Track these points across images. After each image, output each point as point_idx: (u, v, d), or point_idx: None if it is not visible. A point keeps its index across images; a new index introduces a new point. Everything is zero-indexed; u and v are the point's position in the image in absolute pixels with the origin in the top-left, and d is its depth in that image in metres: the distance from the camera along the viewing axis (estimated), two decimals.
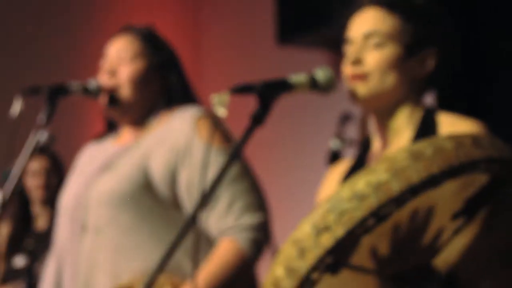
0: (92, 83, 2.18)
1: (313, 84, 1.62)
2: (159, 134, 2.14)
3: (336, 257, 1.14)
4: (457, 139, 1.17)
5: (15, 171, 2.12)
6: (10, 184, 2.09)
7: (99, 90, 2.18)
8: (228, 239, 2.04)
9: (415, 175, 1.12)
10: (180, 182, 2.08)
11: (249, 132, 1.55)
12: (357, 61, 1.66)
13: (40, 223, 3.86)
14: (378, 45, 1.66)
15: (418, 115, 1.69)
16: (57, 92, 2.13)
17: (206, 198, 1.50)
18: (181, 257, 1.99)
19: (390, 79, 1.66)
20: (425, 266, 1.26)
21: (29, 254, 3.76)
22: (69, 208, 2.15)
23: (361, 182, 1.13)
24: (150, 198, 2.07)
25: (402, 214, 1.18)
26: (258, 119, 1.56)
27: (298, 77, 1.62)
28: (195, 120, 2.11)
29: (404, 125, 1.68)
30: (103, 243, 2.06)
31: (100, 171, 2.14)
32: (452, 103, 3.54)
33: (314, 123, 4.35)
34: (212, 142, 2.07)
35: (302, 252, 1.14)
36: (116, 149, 2.21)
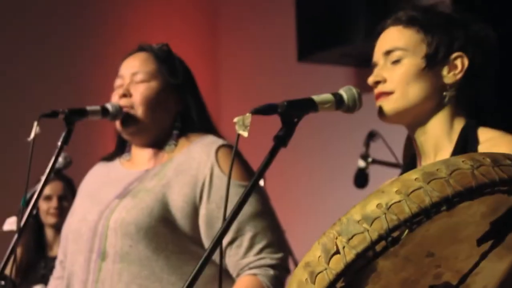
0: (111, 105, 2.16)
1: (339, 104, 1.60)
2: (178, 165, 2.12)
3: (349, 282, 1.12)
4: (475, 159, 1.14)
5: (33, 195, 2.10)
6: (27, 209, 2.06)
7: (118, 112, 2.15)
8: (250, 275, 2.05)
9: (428, 197, 1.09)
10: (201, 216, 2.07)
11: (272, 154, 1.52)
12: (378, 81, 1.67)
13: (55, 248, 3.85)
14: (397, 61, 1.67)
15: (457, 127, 1.67)
16: (76, 115, 2.11)
17: (225, 232, 1.46)
18: None
19: (414, 91, 1.65)
20: None
21: (41, 279, 3.75)
22: (83, 234, 2.12)
23: (372, 204, 1.11)
24: (168, 231, 2.05)
25: (425, 235, 1.15)
26: (281, 140, 1.52)
27: (323, 97, 1.59)
28: (215, 151, 2.09)
29: (443, 138, 1.66)
30: (119, 273, 2.04)
31: (118, 197, 2.10)
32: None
33: (342, 141, 4.33)
34: (233, 174, 2.03)
35: (313, 277, 1.12)
36: (131, 173, 2.19)
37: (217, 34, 5.19)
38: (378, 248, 1.09)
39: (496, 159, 1.14)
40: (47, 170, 2.08)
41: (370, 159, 2.87)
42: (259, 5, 4.98)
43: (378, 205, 1.10)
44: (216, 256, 1.59)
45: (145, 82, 2.17)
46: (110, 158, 2.29)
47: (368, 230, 1.09)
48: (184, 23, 5.08)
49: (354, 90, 1.62)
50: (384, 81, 1.66)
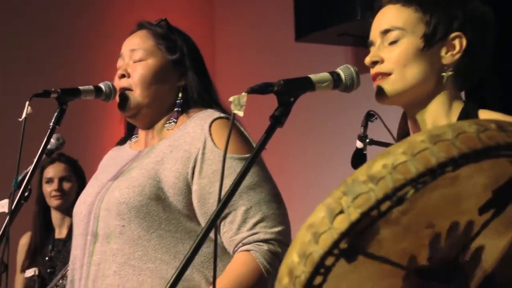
0: (105, 84, 2.13)
1: (336, 83, 1.58)
2: (173, 140, 2.08)
3: (352, 243, 1.12)
4: (480, 123, 1.15)
5: (25, 177, 2.09)
6: (19, 191, 2.05)
7: (112, 91, 2.13)
8: (244, 251, 1.98)
9: (434, 158, 1.10)
10: (193, 192, 2.02)
11: (269, 134, 1.52)
12: (376, 61, 1.65)
13: (62, 230, 3.86)
14: (394, 41, 1.65)
15: (457, 109, 1.66)
16: (68, 95, 2.09)
17: (222, 209, 1.45)
18: (192, 270, 1.94)
19: (412, 73, 1.63)
20: (452, 261, 1.23)
21: (49, 261, 3.77)
22: (82, 217, 2.11)
23: (377, 164, 1.11)
24: (160, 209, 2.01)
25: (427, 204, 1.15)
26: (278, 120, 1.52)
27: (320, 75, 1.58)
28: (209, 124, 2.05)
29: (442, 118, 1.65)
30: (113, 254, 2.02)
31: (114, 177, 2.09)
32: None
33: (339, 121, 4.32)
34: (228, 148, 2.00)
35: (316, 237, 1.12)
36: (131, 154, 2.17)
37: (213, 14, 5.17)
38: (383, 207, 1.09)
39: (501, 125, 1.15)
40: (39, 151, 2.06)
41: (368, 140, 2.86)
42: None
43: (384, 166, 1.10)
44: (213, 234, 1.58)
45: (143, 60, 2.14)
46: (122, 142, 2.27)
47: (373, 190, 1.09)
48: (179, 2, 5.06)
49: (352, 69, 1.62)
50: (382, 61, 1.64)
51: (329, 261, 1.11)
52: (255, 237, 1.98)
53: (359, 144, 2.86)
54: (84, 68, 4.48)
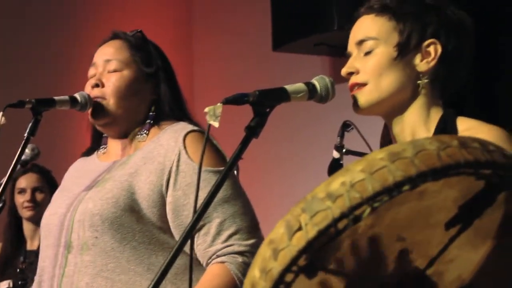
0: (80, 95, 2.13)
1: (311, 93, 1.59)
2: (146, 152, 2.08)
3: (312, 260, 1.13)
4: (442, 140, 1.14)
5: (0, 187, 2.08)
6: None
7: (87, 102, 2.12)
8: (218, 263, 1.99)
9: (391, 176, 1.10)
10: (168, 204, 2.02)
11: (244, 145, 1.52)
12: (352, 72, 1.66)
13: (34, 242, 3.82)
14: (369, 51, 1.65)
15: (435, 117, 1.66)
16: (43, 105, 2.08)
17: (196, 222, 1.45)
18: (165, 283, 1.94)
19: (387, 82, 1.63)
20: (419, 275, 1.23)
21: (20, 273, 3.73)
22: (52, 228, 2.10)
23: (336, 182, 1.12)
24: (134, 220, 2.01)
25: (395, 218, 1.16)
26: (253, 130, 1.52)
27: (295, 86, 1.59)
28: (183, 136, 2.05)
29: (420, 127, 1.65)
30: (85, 265, 2.01)
31: (86, 189, 2.08)
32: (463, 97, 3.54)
33: (315, 131, 4.33)
34: (202, 160, 2.00)
35: (275, 253, 1.12)
36: (102, 165, 2.17)
37: (191, 23, 5.18)
38: (340, 225, 1.09)
39: (464, 141, 1.15)
40: (14, 162, 2.05)
41: (344, 150, 2.88)
42: None
43: (342, 183, 1.11)
44: (186, 247, 1.58)
45: (118, 71, 2.14)
46: (88, 152, 2.27)
47: (331, 208, 1.10)
48: (157, 11, 5.06)
49: (327, 80, 1.62)
50: (357, 72, 1.65)
51: (288, 277, 1.12)
52: (230, 249, 1.99)
53: (336, 154, 2.87)
54: (58, 78, 4.45)
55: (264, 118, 1.53)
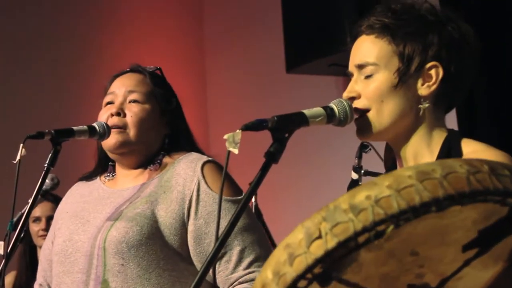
0: (99, 124, 2.16)
1: (330, 117, 1.60)
2: (165, 181, 2.14)
3: (327, 269, 1.12)
4: (473, 164, 1.13)
5: (20, 218, 2.10)
6: (15, 233, 2.06)
7: (106, 132, 2.15)
8: None
9: (418, 196, 1.09)
10: (189, 232, 2.09)
11: (264, 171, 1.53)
12: (353, 96, 1.64)
13: None
14: (369, 76, 1.63)
15: (439, 138, 1.64)
16: (62, 136, 2.11)
17: (218, 250, 1.46)
18: None
19: (389, 109, 1.62)
20: None
21: None
22: (69, 255, 2.13)
23: (361, 194, 1.11)
24: (158, 248, 2.06)
25: (412, 233, 1.15)
26: (273, 156, 1.53)
27: (314, 111, 1.59)
28: (200, 166, 2.12)
29: (424, 150, 1.64)
30: None
31: (110, 218, 2.11)
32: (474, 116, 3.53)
33: (333, 153, 4.33)
34: (222, 188, 2.04)
35: (291, 258, 1.12)
36: (117, 192, 2.20)
37: (204, 48, 5.21)
38: (360, 239, 1.09)
39: (495, 168, 1.14)
40: (34, 192, 2.07)
41: (363, 171, 2.88)
42: (246, 17, 5.00)
43: (367, 197, 1.10)
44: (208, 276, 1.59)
45: (140, 103, 2.20)
46: (89, 177, 2.30)
47: (353, 220, 1.09)
48: (171, 37, 5.09)
49: (345, 103, 1.61)
50: (359, 96, 1.64)
51: (302, 284, 1.12)
52: (252, 275, 2.05)
53: (354, 175, 2.88)
54: (75, 107, 4.49)
55: (283, 143, 1.55)
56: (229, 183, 2.12)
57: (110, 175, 2.26)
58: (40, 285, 2.27)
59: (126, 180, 2.21)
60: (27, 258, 3.84)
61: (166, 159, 2.19)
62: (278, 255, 1.14)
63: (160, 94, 2.22)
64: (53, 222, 2.29)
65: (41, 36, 4.63)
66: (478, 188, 1.11)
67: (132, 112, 2.18)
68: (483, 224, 1.18)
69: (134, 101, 2.20)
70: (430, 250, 1.19)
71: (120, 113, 2.19)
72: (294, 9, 4.18)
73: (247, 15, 5.00)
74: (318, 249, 1.10)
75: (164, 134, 2.22)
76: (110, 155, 2.23)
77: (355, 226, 1.09)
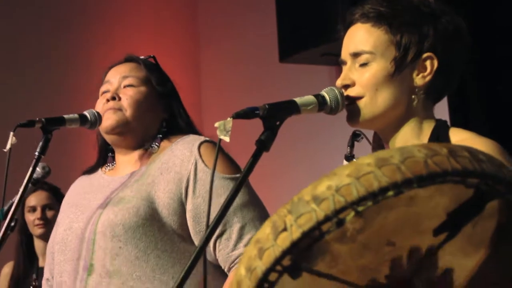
0: (90, 113, 2.16)
1: (321, 105, 1.60)
2: (162, 163, 2.15)
3: (296, 261, 1.15)
4: (431, 148, 1.15)
5: (11, 207, 2.09)
6: (5, 222, 2.06)
7: (97, 120, 2.15)
8: None
9: (376, 181, 1.12)
10: (188, 211, 2.09)
11: (255, 158, 1.53)
12: (347, 84, 1.65)
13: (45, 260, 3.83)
14: (364, 64, 1.64)
15: (427, 129, 1.66)
16: (53, 124, 2.11)
17: (215, 228, 1.47)
18: None
19: (383, 97, 1.63)
20: (406, 282, 1.24)
21: None
22: (69, 243, 2.15)
23: (322, 185, 1.14)
24: (156, 229, 2.07)
25: (384, 223, 1.18)
26: (264, 144, 1.53)
27: (305, 99, 1.59)
28: (197, 146, 2.12)
29: (413, 140, 1.64)
30: (109, 276, 2.05)
31: (105, 202, 2.11)
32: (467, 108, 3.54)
33: (324, 141, 4.33)
34: (219, 168, 2.05)
35: (261, 252, 1.15)
36: (116, 179, 2.22)
37: (197, 33, 5.20)
38: (324, 228, 1.12)
39: (454, 150, 1.16)
40: (25, 181, 2.07)
41: (355, 160, 2.88)
42: (240, 7, 4.99)
43: (328, 187, 1.13)
44: (207, 253, 1.59)
45: (135, 86, 2.21)
46: (91, 170, 2.32)
47: (315, 210, 1.12)
48: (165, 28, 5.09)
49: (337, 91, 1.62)
50: (353, 84, 1.65)
51: (272, 276, 1.15)
52: None
53: (346, 164, 2.88)
54: (67, 96, 4.48)
55: (275, 131, 1.55)
56: (227, 161, 2.12)
57: (110, 165, 2.27)
58: (47, 279, 2.28)
59: (126, 167, 2.22)
60: (24, 247, 3.84)
61: (165, 143, 2.20)
62: (250, 251, 1.17)
63: (155, 78, 2.24)
64: (58, 215, 2.31)
65: (36, 29, 4.62)
66: (435, 170, 1.13)
67: (127, 95, 2.20)
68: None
69: (129, 85, 2.22)
70: (406, 239, 1.21)
71: (115, 97, 2.20)
72: None
73: (241, 4, 4.99)
74: (284, 241, 1.13)
75: (162, 117, 2.23)
76: (108, 138, 2.23)
77: (317, 216, 1.12)
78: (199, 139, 2.15)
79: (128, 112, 2.18)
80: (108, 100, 2.19)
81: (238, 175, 2.08)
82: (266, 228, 1.16)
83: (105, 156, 2.30)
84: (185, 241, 2.08)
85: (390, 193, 1.11)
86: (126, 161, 2.22)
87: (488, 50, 3.50)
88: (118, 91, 2.21)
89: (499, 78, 3.60)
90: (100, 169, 2.29)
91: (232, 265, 2.06)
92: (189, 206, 2.07)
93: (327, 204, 1.12)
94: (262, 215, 2.09)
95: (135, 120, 2.18)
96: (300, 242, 1.12)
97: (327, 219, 1.11)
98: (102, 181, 2.23)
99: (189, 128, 2.24)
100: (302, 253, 1.14)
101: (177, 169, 2.10)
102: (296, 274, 1.16)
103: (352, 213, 1.11)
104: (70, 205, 2.24)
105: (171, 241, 2.07)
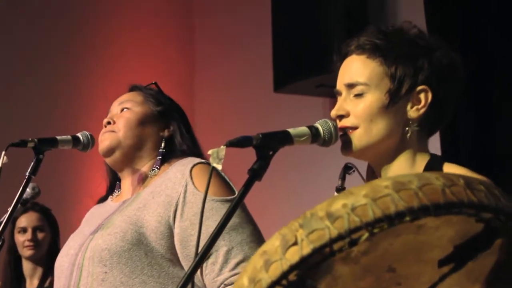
0: (83, 135, 2.16)
1: (315, 137, 1.60)
2: (154, 187, 2.13)
3: (302, 277, 1.13)
4: (449, 178, 1.16)
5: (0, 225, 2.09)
6: None
7: (90, 142, 2.15)
8: None
9: (393, 205, 1.11)
10: (175, 235, 2.05)
11: (247, 187, 1.53)
12: (342, 115, 1.65)
13: (33, 281, 3.80)
14: (359, 95, 1.65)
15: (421, 162, 1.66)
16: (45, 145, 2.10)
17: (204, 254, 1.46)
18: None
19: (377, 128, 1.63)
20: None
21: None
22: (64, 269, 2.14)
23: (338, 202, 1.13)
24: (142, 254, 2.04)
25: (389, 248, 1.17)
26: (256, 173, 1.53)
27: (299, 130, 1.60)
28: (189, 169, 2.09)
29: (406, 172, 1.64)
30: None
31: (96, 230, 2.11)
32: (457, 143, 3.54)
33: (316, 173, 4.34)
34: (209, 190, 2.03)
35: (267, 265, 1.13)
36: (114, 206, 2.21)
37: (192, 65, 5.22)
38: (336, 246, 1.10)
39: (470, 182, 1.16)
40: (14, 201, 2.06)
41: None
42: (235, 34, 5.01)
43: (344, 205, 1.12)
44: (196, 278, 1.57)
45: (130, 109, 2.21)
46: (103, 199, 2.31)
47: (329, 228, 1.10)
48: (161, 54, 5.10)
49: (330, 124, 1.63)
50: (348, 115, 1.65)
51: None
52: (237, 277, 1.98)
53: None
54: (60, 117, 4.47)
55: (267, 161, 1.55)
56: (219, 183, 2.08)
57: (117, 192, 2.26)
58: None
59: (129, 192, 2.21)
60: (12, 268, 3.81)
61: (164, 166, 2.18)
62: (255, 262, 1.15)
63: (152, 99, 2.23)
64: None
65: (32, 49, 4.62)
66: (452, 200, 1.13)
67: (121, 117, 2.20)
68: (459, 242, 1.20)
69: (125, 108, 2.22)
70: (407, 267, 1.21)
71: (111, 122, 2.20)
72: (284, 28, 4.20)
73: (238, 33, 5.01)
74: (293, 256, 1.11)
75: (161, 136, 2.21)
76: (108, 162, 2.22)
77: (330, 233, 1.10)
78: (193, 161, 2.12)
79: (121, 132, 2.17)
80: (105, 127, 2.20)
81: (229, 197, 2.05)
82: (275, 241, 1.14)
83: (113, 184, 2.29)
84: (175, 265, 2.05)
85: (407, 218, 1.11)
86: (129, 184, 2.21)
87: (480, 83, 3.53)
88: (114, 116, 2.21)
89: (491, 111, 3.62)
90: (110, 196, 2.28)
91: None
92: (176, 230, 2.04)
93: (341, 223, 1.10)
94: (252, 238, 2.04)
95: (128, 138, 2.16)
96: (309, 258, 1.11)
97: (340, 237, 1.10)
98: (108, 208, 2.22)
99: (191, 149, 2.21)
100: (309, 270, 1.12)
101: (168, 191, 2.08)
102: None
103: (366, 234, 1.10)
104: (75, 233, 2.23)
105: (159, 266, 2.04)
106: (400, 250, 1.17)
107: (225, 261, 2.00)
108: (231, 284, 2.00)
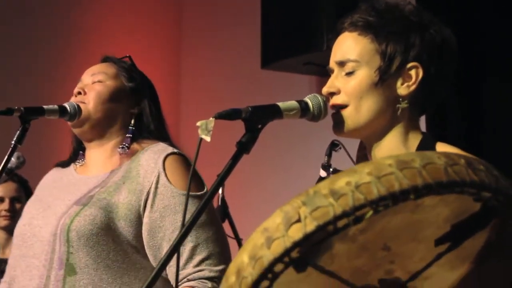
0: (70, 105, 2.15)
1: (304, 111, 1.59)
2: (126, 171, 2.12)
3: (304, 254, 1.13)
4: (450, 157, 1.16)
5: None
6: None
7: (77, 112, 2.14)
8: (188, 287, 2.04)
9: (397, 183, 1.11)
10: (144, 224, 2.07)
11: (235, 160, 1.52)
12: (333, 92, 1.64)
13: (6, 250, 3.79)
14: (350, 72, 1.64)
15: (414, 141, 1.65)
16: (32, 114, 2.09)
17: (176, 248, 1.46)
18: None
19: (367, 106, 1.62)
20: (397, 286, 1.25)
21: None
22: (26, 239, 2.12)
23: (341, 180, 1.12)
24: (110, 239, 2.05)
25: (386, 227, 1.17)
26: (245, 146, 1.52)
27: (288, 104, 1.59)
28: (163, 159, 2.10)
29: (399, 150, 1.64)
30: (57, 280, 2.03)
31: (76, 204, 2.10)
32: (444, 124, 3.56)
33: (303, 150, 4.34)
34: (181, 184, 2.06)
35: (269, 242, 1.12)
36: (84, 179, 2.19)
37: (180, 40, 5.19)
38: (339, 224, 1.10)
39: (471, 162, 1.16)
40: None
41: (331, 169, 2.89)
42: (224, 10, 4.98)
43: (348, 183, 1.11)
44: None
45: (102, 82, 2.20)
46: (64, 164, 2.29)
47: (333, 205, 1.10)
48: (147, 28, 5.07)
49: (320, 98, 1.62)
50: (338, 92, 1.64)
51: (278, 267, 1.12)
52: (200, 274, 2.04)
53: (323, 173, 2.89)
54: (47, 87, 4.45)
55: (256, 134, 1.54)
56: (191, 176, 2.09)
57: (81, 161, 2.24)
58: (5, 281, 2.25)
59: (96, 167, 2.20)
60: None
61: (134, 146, 2.17)
62: (255, 239, 1.14)
63: (125, 74, 2.22)
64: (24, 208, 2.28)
65: (14, 14, 4.58)
66: (455, 179, 1.13)
67: (93, 89, 2.19)
68: (454, 221, 1.20)
69: (97, 81, 2.20)
70: (401, 246, 1.22)
71: (81, 92, 2.19)
72: (273, 6, 4.18)
73: (226, 10, 4.99)
74: (297, 233, 1.11)
75: (131, 113, 2.20)
76: (75, 132, 2.21)
77: (335, 210, 1.10)
78: (166, 150, 2.12)
79: (90, 104, 2.16)
80: (75, 96, 2.19)
81: (200, 192, 2.07)
82: (277, 218, 1.13)
83: (77, 152, 2.28)
84: (138, 252, 2.07)
85: (411, 196, 1.11)
86: (95, 159, 2.20)
87: (468, 63, 3.53)
88: (86, 87, 2.19)
89: (479, 93, 3.62)
90: (72, 164, 2.26)
91: (179, 284, 2.05)
92: (145, 220, 2.06)
93: (345, 200, 1.10)
94: (217, 236, 2.07)
95: (98, 112, 2.15)
96: (313, 236, 1.10)
97: (344, 215, 1.10)
98: (71, 178, 2.21)
99: (159, 131, 2.21)
100: (311, 247, 1.12)
101: (140, 180, 2.08)
102: (301, 267, 1.14)
103: (371, 212, 1.10)
104: (35, 199, 2.22)
105: (124, 251, 2.05)
106: (397, 228, 1.18)
107: (191, 256, 2.04)
108: (194, 280, 2.03)
